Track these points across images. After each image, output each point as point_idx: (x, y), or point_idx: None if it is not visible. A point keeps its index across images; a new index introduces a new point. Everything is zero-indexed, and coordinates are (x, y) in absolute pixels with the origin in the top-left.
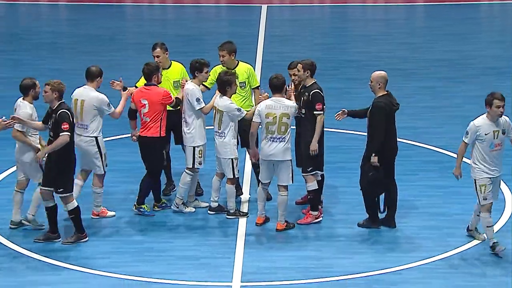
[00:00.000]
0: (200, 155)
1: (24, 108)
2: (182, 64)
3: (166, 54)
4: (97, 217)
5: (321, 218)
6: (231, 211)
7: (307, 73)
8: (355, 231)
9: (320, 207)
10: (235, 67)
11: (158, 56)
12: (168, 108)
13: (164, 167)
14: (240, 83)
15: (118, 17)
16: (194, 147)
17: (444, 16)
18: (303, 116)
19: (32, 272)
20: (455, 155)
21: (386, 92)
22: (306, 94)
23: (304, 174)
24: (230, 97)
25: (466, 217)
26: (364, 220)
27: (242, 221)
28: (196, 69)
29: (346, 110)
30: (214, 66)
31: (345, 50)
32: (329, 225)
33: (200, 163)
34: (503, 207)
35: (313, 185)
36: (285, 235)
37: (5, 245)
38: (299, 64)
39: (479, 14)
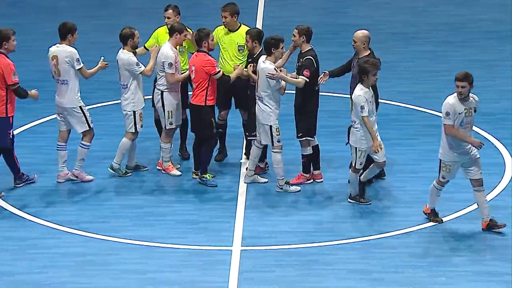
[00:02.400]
0: (278, 133)
1: (127, 55)
2: (192, 30)
3: (177, 17)
4: (163, 171)
5: (312, 181)
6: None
7: (303, 38)
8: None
9: (319, 171)
10: (237, 29)
11: (168, 18)
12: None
13: (182, 131)
14: (239, 46)
15: None
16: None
17: None
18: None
19: (32, 236)
20: None
21: (369, 51)
22: (301, 60)
23: (299, 140)
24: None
25: (466, 181)
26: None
27: (242, 186)
28: (272, 45)
29: (327, 72)
30: (216, 27)
31: (346, 14)
32: (328, 189)
33: (279, 141)
34: (503, 171)
35: (305, 150)
36: (285, 200)
37: (5, 209)
38: (295, 29)
39: None
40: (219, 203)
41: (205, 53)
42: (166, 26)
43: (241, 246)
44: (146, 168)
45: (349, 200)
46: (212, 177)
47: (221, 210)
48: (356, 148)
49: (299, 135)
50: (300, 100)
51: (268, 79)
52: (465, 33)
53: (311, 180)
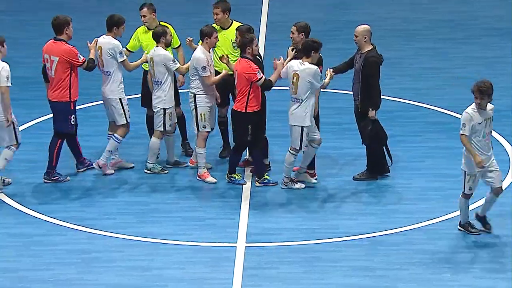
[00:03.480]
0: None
1: (164, 51)
2: (171, 25)
3: (153, 15)
4: (199, 178)
5: (316, 177)
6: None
7: (302, 35)
8: (360, 193)
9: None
10: (229, 26)
11: (144, 16)
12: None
13: (180, 126)
14: (233, 43)
15: None
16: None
17: None
18: None
19: (37, 232)
20: (458, 116)
21: (372, 46)
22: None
23: None
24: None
25: None
26: (360, 174)
27: (247, 183)
28: (313, 48)
29: (332, 70)
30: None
31: (349, 11)
32: (334, 186)
33: (306, 145)
34: (508, 168)
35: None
36: (290, 196)
37: (10, 205)
38: (293, 27)
39: None
40: (224, 200)
41: (247, 60)
42: (144, 25)
43: (246, 242)
44: (186, 165)
45: (458, 227)
46: (240, 176)
47: (226, 207)
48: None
49: None
50: None
51: (312, 81)
52: (466, 30)
53: (316, 177)
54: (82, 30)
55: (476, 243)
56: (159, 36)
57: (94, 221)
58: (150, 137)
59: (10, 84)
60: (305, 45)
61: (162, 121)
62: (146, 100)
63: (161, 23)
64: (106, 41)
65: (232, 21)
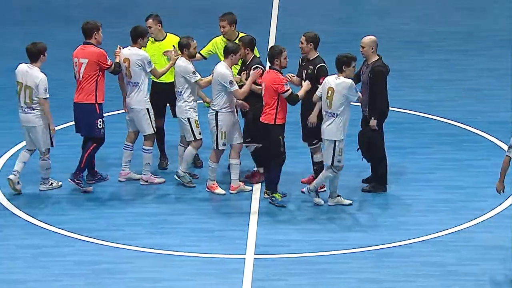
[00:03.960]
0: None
1: (185, 63)
2: (178, 36)
3: (159, 26)
4: (207, 190)
5: (325, 189)
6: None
7: (310, 45)
8: (368, 204)
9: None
10: (236, 38)
11: (150, 27)
12: (156, 80)
13: (158, 139)
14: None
15: None
16: (335, 141)
17: None
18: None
19: (46, 243)
20: (469, 128)
21: (379, 56)
22: (310, 67)
23: (310, 147)
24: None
25: (479, 190)
26: (368, 185)
27: (256, 194)
28: (344, 63)
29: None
30: (214, 37)
31: (359, 22)
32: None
33: (339, 161)
34: None
35: (319, 157)
36: (298, 208)
37: (18, 216)
38: (302, 37)
39: None
40: (233, 212)
41: (276, 71)
42: (150, 36)
43: (255, 254)
44: (197, 177)
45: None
46: (281, 196)
47: (235, 219)
48: None
49: (313, 142)
50: (310, 107)
51: (348, 94)
52: (478, 42)
53: (324, 189)
54: None
55: (486, 256)
56: (182, 47)
57: (103, 232)
58: (159, 148)
59: (48, 95)
60: (336, 62)
61: (190, 131)
62: (155, 111)
63: (168, 34)
64: (133, 52)
65: (239, 33)
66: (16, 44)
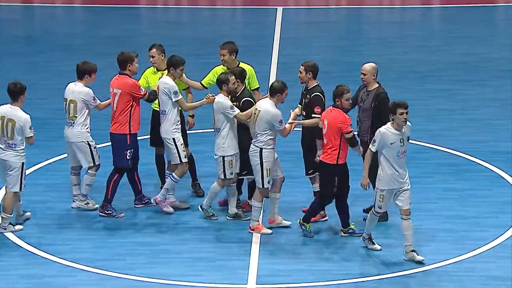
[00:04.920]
0: None
1: (223, 99)
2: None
3: (162, 56)
4: (251, 231)
5: (326, 218)
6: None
7: (309, 74)
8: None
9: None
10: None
11: (153, 57)
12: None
13: (158, 167)
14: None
15: (133, 19)
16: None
17: (460, 19)
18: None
19: (47, 273)
20: (471, 158)
21: (378, 84)
22: (308, 96)
23: (308, 176)
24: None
25: (482, 220)
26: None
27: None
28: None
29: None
30: (215, 67)
31: (360, 52)
32: None
33: None
34: None
35: (318, 186)
36: (300, 238)
37: (20, 246)
38: (301, 66)
39: (495, 16)
40: (234, 241)
41: (339, 110)
42: (153, 66)
43: (256, 284)
44: (247, 218)
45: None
46: (309, 229)
47: (236, 248)
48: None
49: (309, 172)
50: (310, 137)
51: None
52: (480, 72)
53: (326, 218)
54: None
55: (488, 285)
56: (221, 83)
57: (104, 262)
58: (160, 176)
59: (181, 97)
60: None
61: (222, 169)
62: (155, 140)
63: None
64: (162, 80)
65: (239, 62)
66: (20, 74)
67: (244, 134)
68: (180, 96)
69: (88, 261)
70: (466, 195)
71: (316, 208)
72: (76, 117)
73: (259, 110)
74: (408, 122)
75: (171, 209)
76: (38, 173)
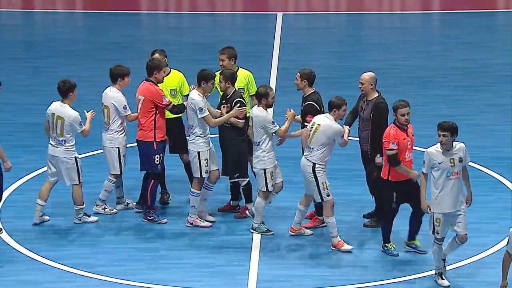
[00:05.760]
0: None
1: (263, 113)
2: (181, 72)
3: (165, 60)
4: (333, 248)
5: (325, 224)
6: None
7: (305, 82)
8: (369, 240)
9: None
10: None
11: None
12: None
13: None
14: (238, 89)
15: (134, 25)
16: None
17: (460, 24)
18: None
19: (47, 279)
20: (471, 163)
21: (378, 92)
22: (303, 104)
23: None
24: None
25: (481, 226)
26: (370, 221)
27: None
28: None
29: (347, 127)
30: (215, 72)
31: (361, 58)
32: (344, 233)
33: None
34: None
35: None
36: (300, 243)
37: (20, 252)
38: (298, 73)
39: (495, 22)
40: (234, 246)
41: (396, 127)
42: None
43: None
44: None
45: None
46: (393, 248)
47: (236, 254)
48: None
49: None
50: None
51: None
52: (480, 78)
53: (325, 224)
54: (92, 77)
55: None
56: (261, 97)
57: (104, 267)
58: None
59: (129, 112)
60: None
61: (264, 181)
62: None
63: (172, 70)
64: (191, 96)
65: (238, 68)
66: (20, 80)
67: (235, 134)
68: (207, 113)
69: (88, 266)
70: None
71: (384, 225)
72: (109, 122)
73: (319, 125)
74: (461, 144)
75: (207, 223)
76: (37, 179)
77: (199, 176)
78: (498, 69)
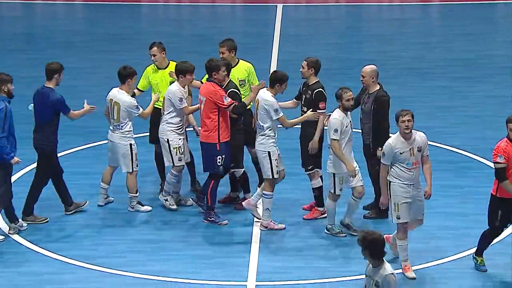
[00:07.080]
0: None
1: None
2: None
3: (163, 53)
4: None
5: (326, 215)
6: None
7: (311, 70)
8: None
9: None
10: (235, 65)
11: (154, 55)
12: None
13: (158, 164)
14: (239, 81)
15: (134, 17)
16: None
17: (460, 16)
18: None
19: (47, 271)
20: (471, 155)
21: (379, 84)
22: (309, 92)
23: (307, 173)
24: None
25: (482, 217)
26: (370, 212)
27: (257, 220)
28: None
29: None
30: None
31: (360, 49)
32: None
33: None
34: None
35: (317, 183)
36: (300, 235)
37: (21, 244)
38: (304, 61)
39: (495, 14)
40: (234, 238)
41: (508, 141)
42: (153, 64)
43: (256, 281)
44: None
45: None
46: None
47: (236, 245)
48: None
49: (309, 168)
50: (310, 132)
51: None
52: (479, 69)
53: (326, 215)
54: (91, 68)
55: (489, 282)
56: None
57: (104, 259)
58: (159, 173)
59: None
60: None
61: (333, 184)
62: (154, 136)
63: (171, 62)
64: (264, 96)
65: (239, 60)
66: (20, 71)
67: (235, 130)
68: (282, 114)
69: (88, 258)
70: (466, 192)
71: (484, 239)
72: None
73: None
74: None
75: (282, 225)
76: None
77: (271, 177)
78: (499, 60)
